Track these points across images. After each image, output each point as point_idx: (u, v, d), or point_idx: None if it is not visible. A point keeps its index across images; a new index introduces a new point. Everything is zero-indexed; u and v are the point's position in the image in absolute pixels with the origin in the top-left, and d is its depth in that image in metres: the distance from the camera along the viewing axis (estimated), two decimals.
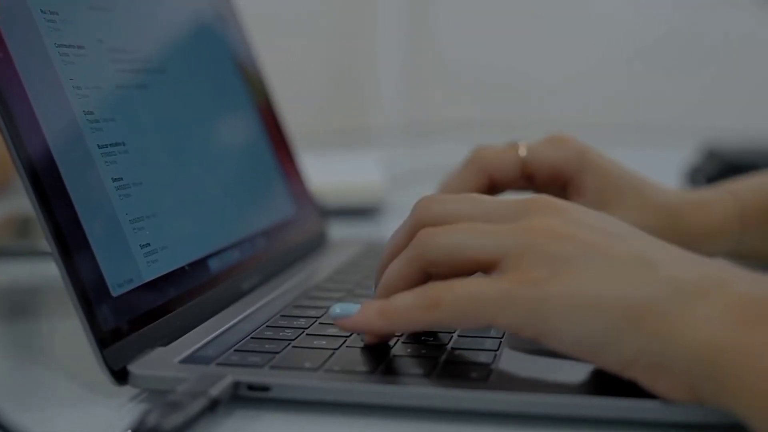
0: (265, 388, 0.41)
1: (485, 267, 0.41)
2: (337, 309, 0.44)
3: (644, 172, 0.62)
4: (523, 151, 0.59)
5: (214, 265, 0.55)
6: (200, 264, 0.53)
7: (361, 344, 0.45)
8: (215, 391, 0.39)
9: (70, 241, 0.43)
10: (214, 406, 0.39)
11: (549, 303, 0.38)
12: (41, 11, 0.47)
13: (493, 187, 0.60)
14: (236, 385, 0.41)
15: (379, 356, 0.44)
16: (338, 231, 0.77)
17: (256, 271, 0.59)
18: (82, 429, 0.41)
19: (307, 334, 0.48)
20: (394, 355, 0.44)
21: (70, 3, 0.50)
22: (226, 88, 0.66)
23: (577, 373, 0.42)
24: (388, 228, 0.88)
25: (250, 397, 0.42)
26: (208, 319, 0.51)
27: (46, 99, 0.45)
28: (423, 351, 0.45)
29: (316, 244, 0.71)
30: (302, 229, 0.70)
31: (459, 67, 2.09)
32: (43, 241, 0.43)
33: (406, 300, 0.41)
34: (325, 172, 0.93)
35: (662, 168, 1.13)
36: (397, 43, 2.14)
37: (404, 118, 2.08)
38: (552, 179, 0.59)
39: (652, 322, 0.37)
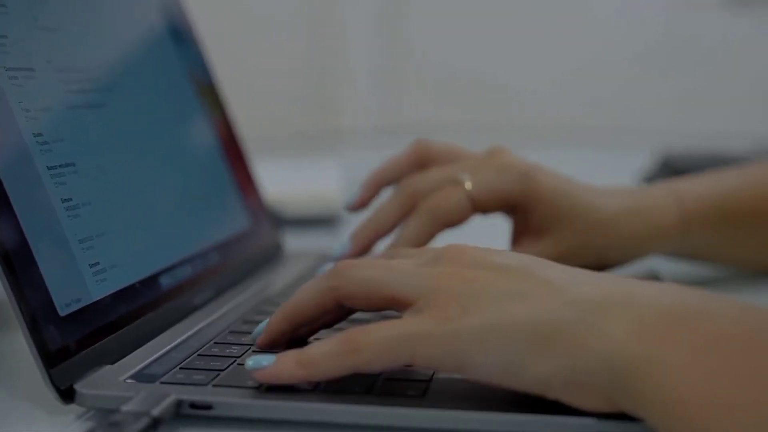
0: (207, 407, 0.42)
1: (399, 305, 0.43)
2: (249, 362, 0.43)
3: (605, 176, 0.64)
4: (468, 185, 0.60)
5: (166, 281, 0.56)
6: (151, 281, 0.54)
7: None
8: (157, 410, 0.40)
9: (16, 261, 0.44)
10: (156, 425, 0.40)
11: (463, 336, 0.40)
12: None
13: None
14: (179, 403, 0.42)
15: None
16: (296, 241, 0.78)
17: (208, 286, 0.60)
18: None
19: (253, 351, 0.49)
20: None
21: (18, 25, 0.51)
22: (179, 103, 0.67)
23: (510, 391, 0.43)
24: (345, 238, 0.89)
25: (193, 415, 0.43)
26: (157, 336, 0.52)
27: None
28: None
29: (271, 256, 0.72)
30: (257, 241, 0.71)
31: (432, 68, 2.10)
32: None
33: (323, 348, 0.42)
34: (284, 181, 0.94)
35: (621, 172, 1.16)
36: (368, 44, 2.14)
37: (376, 121, 2.08)
38: (499, 207, 0.61)
39: (562, 342, 0.39)
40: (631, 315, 0.38)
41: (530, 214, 0.61)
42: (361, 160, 1.29)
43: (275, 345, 0.48)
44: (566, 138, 1.74)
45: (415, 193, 0.61)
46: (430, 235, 0.60)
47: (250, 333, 0.52)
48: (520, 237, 0.62)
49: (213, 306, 0.58)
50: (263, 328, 0.48)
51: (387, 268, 0.44)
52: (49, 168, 0.49)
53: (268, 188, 0.77)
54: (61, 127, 0.51)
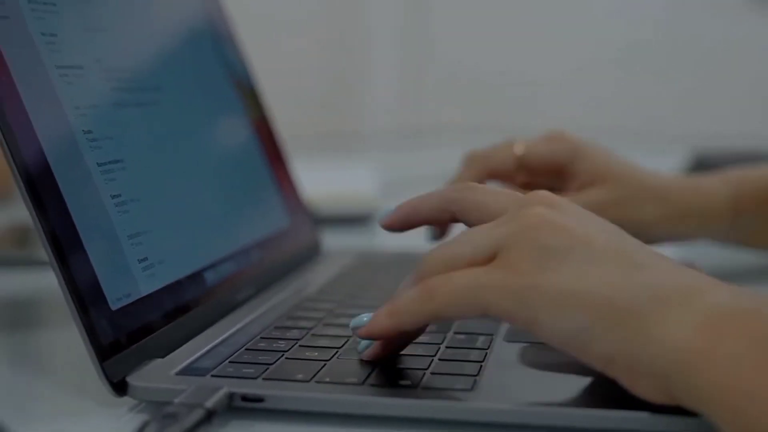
0: (258, 399, 0.43)
1: (484, 263, 0.43)
2: (353, 323, 0.46)
3: None
4: (519, 149, 0.64)
5: (210, 277, 0.56)
6: (196, 276, 0.55)
7: (354, 356, 0.47)
8: (211, 402, 0.41)
9: (70, 256, 0.45)
10: (209, 417, 0.41)
11: (538, 294, 0.40)
12: (41, 34, 0.49)
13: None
14: (231, 396, 0.43)
15: (368, 367, 0.46)
16: (332, 239, 0.79)
17: (250, 283, 0.61)
18: None
19: (299, 346, 0.49)
20: (383, 366, 0.46)
21: (68, 25, 0.52)
22: (222, 103, 0.68)
23: (561, 385, 0.43)
24: (381, 236, 0.90)
25: (244, 407, 0.43)
26: (204, 331, 0.52)
27: (47, 119, 0.47)
28: (411, 362, 0.46)
29: (310, 254, 0.73)
30: (296, 239, 0.72)
31: (454, 71, 2.10)
32: (44, 251, 0.44)
33: (406, 295, 0.43)
34: (319, 180, 0.94)
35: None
36: (392, 47, 2.15)
37: (399, 123, 2.09)
38: (547, 171, 0.65)
39: (632, 322, 0.39)
40: (699, 310, 0.38)
41: (576, 173, 0.64)
42: (384, 161, 1.30)
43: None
44: (595, 139, 1.74)
45: (484, 159, 0.67)
46: (476, 179, 0.64)
47: (294, 329, 0.52)
48: (567, 194, 0.65)
49: (255, 302, 0.59)
50: (363, 319, 0.46)
51: (467, 238, 0.44)
52: (99, 164, 0.50)
53: (303, 187, 0.77)
54: (109, 125, 0.52)
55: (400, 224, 0.50)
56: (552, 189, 0.62)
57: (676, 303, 0.39)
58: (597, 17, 2.01)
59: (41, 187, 0.45)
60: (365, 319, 0.45)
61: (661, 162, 1.16)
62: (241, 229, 0.64)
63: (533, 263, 0.41)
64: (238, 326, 0.53)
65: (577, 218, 0.43)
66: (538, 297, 0.40)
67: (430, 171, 1.15)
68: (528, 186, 0.65)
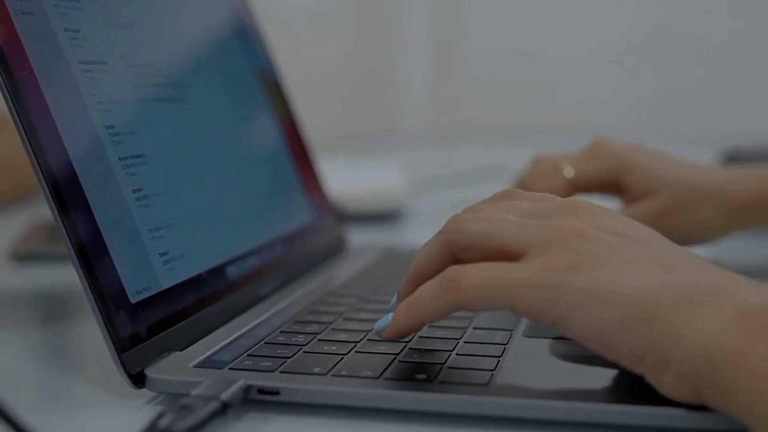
0: (274, 392, 0.43)
1: (512, 257, 0.43)
2: (378, 326, 0.46)
3: None
4: (569, 172, 0.63)
5: (232, 271, 0.57)
6: (218, 271, 0.55)
7: (371, 350, 0.47)
8: (226, 395, 0.41)
9: (90, 250, 0.45)
10: (225, 410, 0.41)
11: (567, 291, 0.40)
12: (64, 30, 0.50)
13: None
14: (247, 388, 0.43)
15: (385, 361, 0.46)
16: (359, 236, 0.79)
17: (273, 277, 0.61)
18: (101, 430, 0.43)
19: (318, 340, 0.50)
20: (400, 360, 0.46)
21: (92, 21, 0.52)
22: (247, 99, 0.68)
23: (577, 381, 0.43)
24: (408, 233, 0.89)
25: (260, 400, 0.43)
26: (224, 324, 0.52)
27: (69, 114, 0.47)
28: (428, 356, 0.46)
29: (335, 250, 0.73)
30: (321, 235, 0.72)
31: (487, 70, 2.09)
32: None
33: (428, 290, 0.43)
34: (347, 177, 0.95)
35: None
36: (423, 46, 2.14)
37: (430, 122, 2.08)
38: (599, 188, 0.66)
39: (662, 321, 0.39)
40: (731, 308, 0.38)
41: (630, 186, 0.64)
42: (415, 160, 1.30)
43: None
44: (624, 139, 1.73)
45: (522, 182, 0.67)
46: None
47: (314, 323, 0.53)
48: (625, 206, 0.66)
49: (278, 296, 0.59)
50: (382, 323, 0.46)
51: (499, 220, 0.44)
52: (120, 159, 0.50)
53: (331, 184, 0.78)
54: (132, 120, 0.52)
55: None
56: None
57: (706, 302, 0.39)
58: (627, 14, 2.00)
59: (62, 182, 0.45)
60: (389, 319, 0.45)
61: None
62: (265, 224, 0.64)
63: (565, 264, 0.41)
64: (259, 320, 0.54)
65: (610, 226, 0.43)
66: (569, 294, 0.40)
67: (460, 169, 1.15)
68: None
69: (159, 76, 0.57)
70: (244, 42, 0.70)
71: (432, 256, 0.45)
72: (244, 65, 0.70)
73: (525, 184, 0.67)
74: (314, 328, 0.52)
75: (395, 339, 0.46)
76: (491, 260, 0.43)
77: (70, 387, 0.48)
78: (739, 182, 0.64)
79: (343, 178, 0.91)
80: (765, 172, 0.65)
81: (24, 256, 0.77)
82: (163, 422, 0.39)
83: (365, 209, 0.92)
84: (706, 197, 0.63)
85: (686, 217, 0.63)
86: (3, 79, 0.44)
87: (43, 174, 0.44)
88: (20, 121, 0.44)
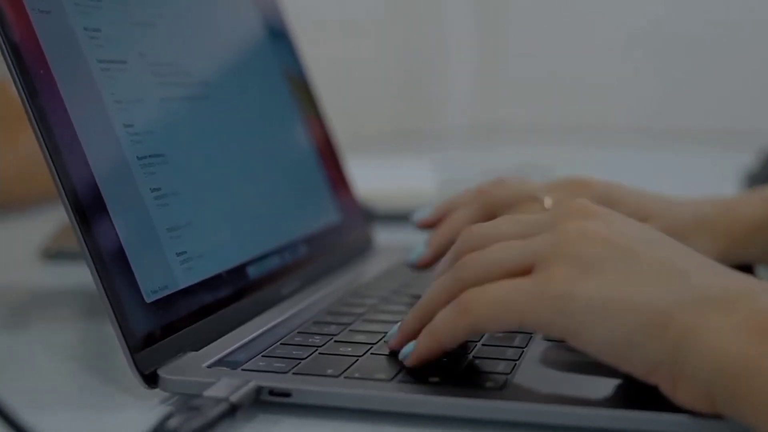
0: (286, 394, 0.43)
1: (521, 274, 0.42)
2: (401, 354, 0.45)
3: (701, 177, 0.62)
4: (548, 202, 0.60)
5: (253, 271, 0.56)
6: (238, 271, 0.55)
7: (386, 351, 0.47)
8: (236, 396, 0.41)
9: (104, 249, 0.45)
10: (233, 411, 0.40)
11: (576, 302, 0.39)
12: (84, 28, 0.50)
13: None
14: (258, 390, 0.43)
15: (400, 364, 0.45)
16: (387, 236, 0.78)
17: (296, 277, 0.61)
18: (111, 429, 0.43)
19: (335, 341, 0.49)
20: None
21: (112, 19, 0.52)
22: (273, 98, 0.68)
23: (593, 387, 0.42)
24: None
25: (272, 402, 0.43)
26: (243, 324, 0.52)
27: (86, 112, 0.47)
28: (444, 359, 0.46)
29: (361, 249, 0.73)
30: (347, 235, 0.71)
31: (530, 68, 2.08)
32: None
33: (442, 314, 0.43)
34: (379, 177, 0.94)
35: (720, 173, 1.13)
36: (467, 42, 2.14)
37: (472, 121, 2.08)
38: None
39: (676, 329, 0.38)
40: (746, 314, 0.37)
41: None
42: (458, 158, 1.29)
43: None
44: (667, 140, 1.71)
45: (494, 203, 0.61)
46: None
47: (332, 324, 0.52)
48: None
49: (300, 297, 0.59)
50: (396, 330, 0.47)
51: (506, 246, 0.43)
52: (139, 158, 0.50)
53: (363, 184, 0.77)
54: (152, 119, 0.52)
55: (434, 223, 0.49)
56: None
57: (721, 308, 0.38)
58: (669, 15, 1.97)
59: (77, 180, 0.45)
60: (412, 347, 0.44)
61: (732, 160, 1.13)
62: (289, 224, 0.64)
63: (572, 272, 0.40)
64: (278, 320, 0.53)
65: (618, 227, 0.42)
66: (576, 305, 0.39)
67: (496, 168, 1.14)
68: None
69: (183, 74, 0.57)
70: (272, 41, 0.70)
71: (442, 294, 0.44)
72: (271, 64, 0.69)
73: (496, 205, 0.61)
74: (332, 329, 0.51)
75: (418, 365, 0.44)
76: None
77: (87, 385, 0.48)
78: (724, 213, 0.60)
79: (374, 178, 0.91)
80: (750, 202, 0.61)
81: (55, 254, 0.78)
82: (171, 423, 0.38)
83: (394, 209, 0.91)
84: (700, 226, 0.59)
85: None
86: (19, 78, 0.44)
87: (57, 172, 0.44)
88: (36, 119, 0.44)
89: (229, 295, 0.53)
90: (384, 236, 0.77)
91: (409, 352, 0.44)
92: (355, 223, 0.74)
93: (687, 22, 1.94)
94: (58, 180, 0.44)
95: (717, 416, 0.38)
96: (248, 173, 0.60)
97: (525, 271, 0.42)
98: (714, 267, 0.41)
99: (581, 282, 0.39)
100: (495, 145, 1.76)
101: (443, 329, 0.43)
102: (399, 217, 0.91)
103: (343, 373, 0.44)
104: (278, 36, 0.71)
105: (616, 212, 0.44)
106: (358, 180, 0.76)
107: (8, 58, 0.44)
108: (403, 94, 2.01)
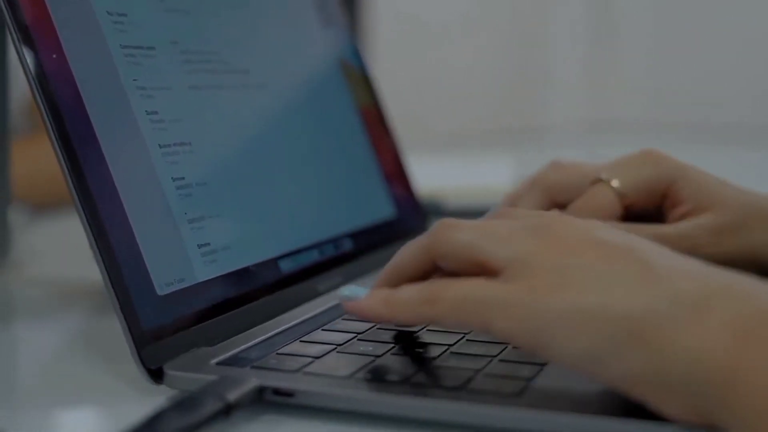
0: (289, 394, 0.40)
1: (490, 272, 0.40)
2: (345, 291, 0.44)
3: None
4: (615, 183, 0.55)
5: (286, 266, 0.54)
6: (269, 265, 0.53)
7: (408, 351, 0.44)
8: (233, 395, 0.39)
9: (112, 237, 0.43)
10: (228, 411, 0.38)
11: (548, 313, 0.37)
12: (107, 13, 0.48)
13: None
14: (261, 389, 0.41)
15: (416, 366, 0.42)
16: None
17: (336, 273, 0.58)
18: (110, 425, 0.42)
19: (358, 339, 0.47)
20: (434, 365, 0.43)
21: (143, 6, 0.51)
22: (321, 88, 0.66)
23: (610, 396, 0.39)
24: None
25: (276, 402, 0.41)
26: (270, 320, 0.50)
27: (101, 97, 0.46)
28: (466, 361, 0.43)
29: None
30: (400, 230, 0.69)
31: (641, 65, 2.03)
32: None
33: (409, 292, 0.41)
34: (454, 173, 0.92)
35: None
36: (577, 40, 2.10)
37: (583, 118, 2.04)
38: (650, 200, 0.56)
39: (653, 336, 0.35)
40: (723, 316, 0.34)
41: (684, 197, 0.55)
42: (564, 156, 1.25)
43: None
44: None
45: (551, 189, 0.58)
46: None
47: (361, 321, 0.50)
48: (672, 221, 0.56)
49: (336, 293, 0.56)
50: (360, 294, 0.44)
51: (483, 232, 0.41)
52: (161, 146, 0.48)
53: (434, 180, 0.75)
54: (179, 107, 0.51)
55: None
56: (648, 219, 0.56)
57: (696, 310, 0.35)
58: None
59: (86, 163, 0.43)
60: (360, 294, 0.43)
61: None
62: (333, 218, 0.61)
63: (542, 282, 0.37)
64: (306, 317, 0.51)
65: (593, 237, 0.39)
66: (547, 317, 0.37)
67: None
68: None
69: (218, 62, 0.55)
70: (325, 30, 0.68)
71: (411, 258, 0.43)
72: (323, 53, 0.67)
73: (554, 192, 0.58)
74: (358, 326, 0.49)
75: (357, 316, 0.43)
76: (470, 273, 0.40)
77: (96, 379, 0.47)
78: None
79: (449, 174, 0.88)
80: None
81: None
82: (161, 419, 0.37)
83: (465, 205, 0.88)
84: (764, 218, 0.55)
85: (742, 237, 0.54)
86: (27, 61, 0.43)
87: (63, 154, 0.43)
88: (44, 105, 0.43)
89: (257, 290, 0.51)
90: None
91: (356, 297, 0.43)
92: (411, 219, 0.71)
93: None
94: (63, 162, 0.43)
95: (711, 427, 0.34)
96: (290, 166, 0.58)
97: (495, 270, 0.39)
98: (693, 267, 0.38)
99: (552, 293, 0.37)
100: (608, 143, 1.71)
101: (403, 307, 0.41)
102: (469, 214, 0.89)
103: (353, 373, 0.42)
104: (333, 24, 0.69)
105: (595, 221, 0.42)
106: (439, 176, 0.73)
107: (16, 44, 0.43)
108: (511, 92, 1.99)
